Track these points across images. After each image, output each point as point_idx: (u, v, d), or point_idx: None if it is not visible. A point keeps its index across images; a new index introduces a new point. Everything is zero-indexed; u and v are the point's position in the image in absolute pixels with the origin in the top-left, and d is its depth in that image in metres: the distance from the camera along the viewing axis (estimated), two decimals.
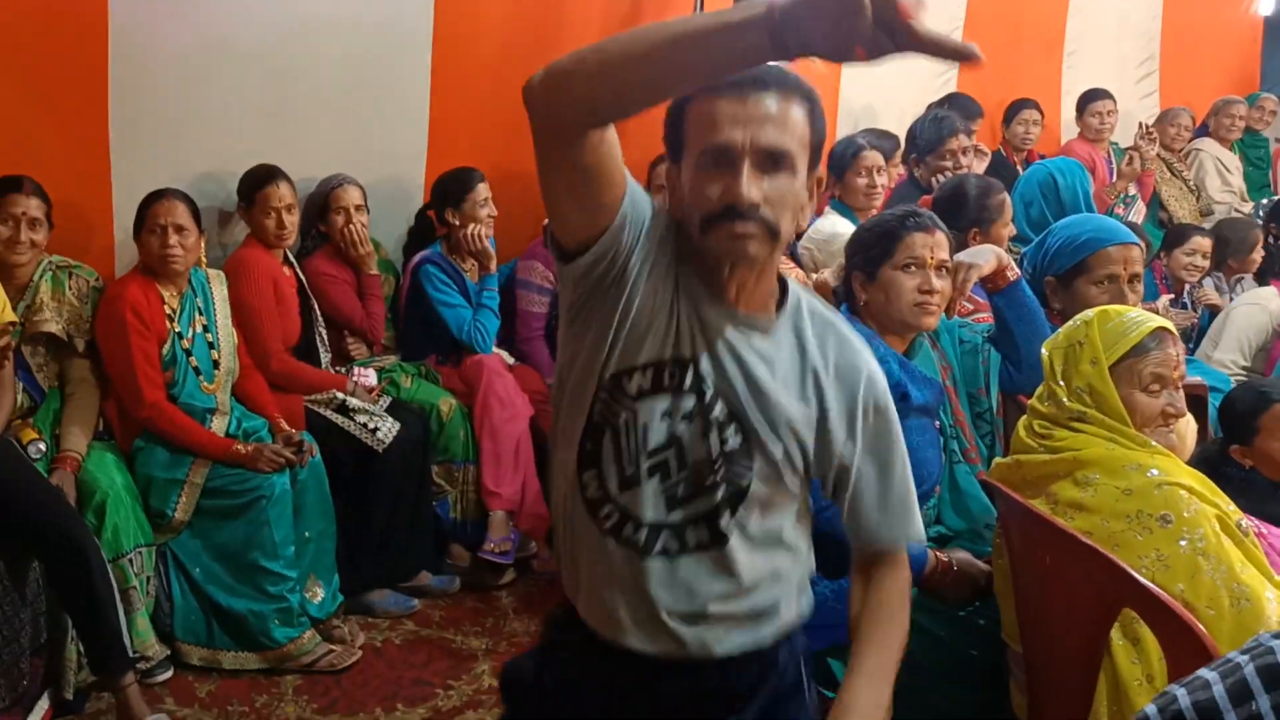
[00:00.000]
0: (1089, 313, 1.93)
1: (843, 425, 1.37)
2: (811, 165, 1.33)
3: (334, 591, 3.13)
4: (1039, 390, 1.99)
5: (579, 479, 1.36)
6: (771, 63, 1.21)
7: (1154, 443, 1.82)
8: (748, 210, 1.25)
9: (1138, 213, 5.26)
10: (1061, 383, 1.90)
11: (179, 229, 2.91)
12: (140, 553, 2.82)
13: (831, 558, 2.08)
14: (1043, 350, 2.00)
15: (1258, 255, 4.29)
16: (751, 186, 1.25)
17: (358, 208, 3.51)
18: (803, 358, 1.36)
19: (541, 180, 1.27)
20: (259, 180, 3.26)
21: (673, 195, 1.38)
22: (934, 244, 2.21)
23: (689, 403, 1.32)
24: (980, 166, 4.10)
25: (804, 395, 1.35)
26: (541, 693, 1.47)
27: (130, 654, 2.66)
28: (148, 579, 2.84)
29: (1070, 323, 1.96)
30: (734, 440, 1.32)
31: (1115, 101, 5.45)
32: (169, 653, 2.89)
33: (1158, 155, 5.55)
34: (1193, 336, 4.04)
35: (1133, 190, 5.31)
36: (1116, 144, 5.59)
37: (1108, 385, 1.83)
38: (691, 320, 1.32)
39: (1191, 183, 5.80)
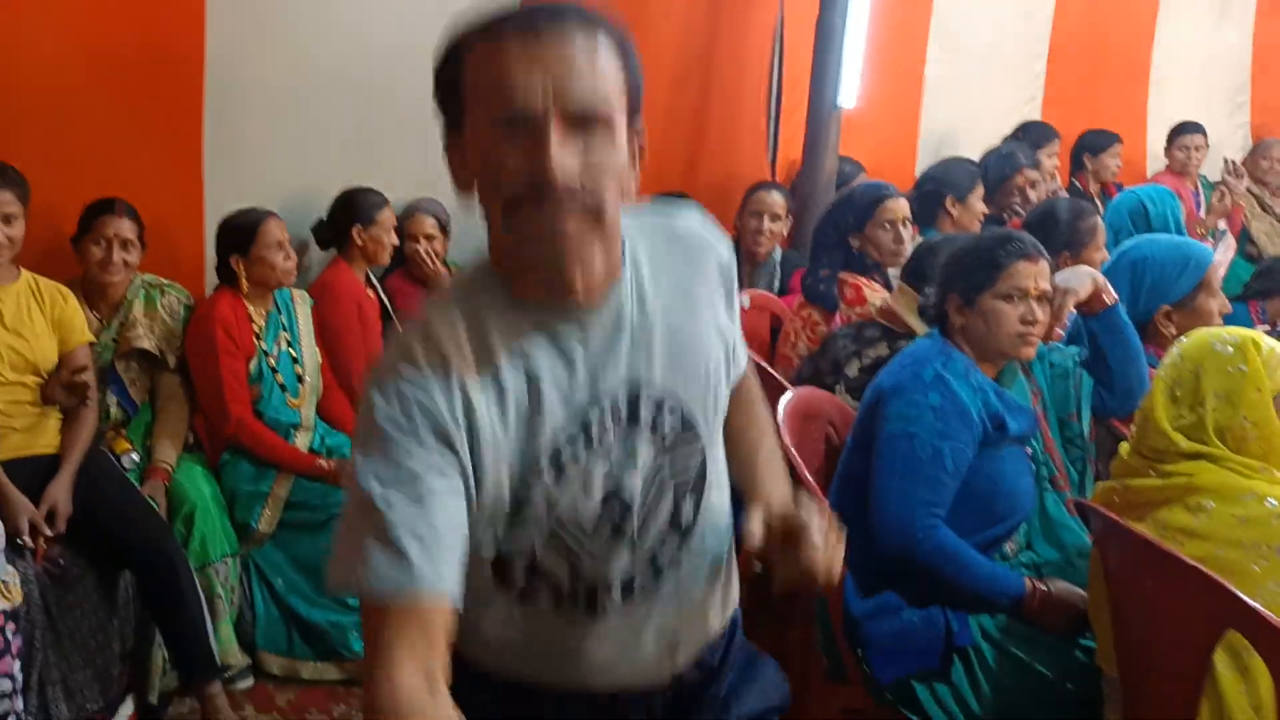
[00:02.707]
0: (1227, 339, 1.85)
1: (713, 329, 1.20)
2: (632, 117, 1.07)
3: None
4: (1138, 421, 1.92)
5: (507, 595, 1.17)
6: None
7: (1276, 471, 1.77)
8: (561, 189, 0.99)
9: (1227, 247, 5.13)
10: (1189, 412, 1.82)
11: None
12: (226, 562, 2.87)
13: (916, 588, 2.06)
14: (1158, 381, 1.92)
15: None
16: (563, 156, 0.98)
17: (428, 236, 3.59)
18: (644, 313, 1.12)
19: None
20: (376, 206, 3.39)
21: (458, 178, 1.10)
22: (1038, 273, 2.17)
23: (610, 442, 1.12)
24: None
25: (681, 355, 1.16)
26: None
27: (216, 661, 2.70)
28: (232, 588, 2.89)
29: (1188, 352, 1.88)
30: (669, 423, 1.15)
31: (1205, 136, 5.35)
32: (250, 661, 2.93)
33: (1248, 189, 5.42)
34: None
35: (1222, 225, 5.19)
36: (1205, 177, 5.49)
37: (1270, 414, 1.78)
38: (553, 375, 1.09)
39: None
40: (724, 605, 1.33)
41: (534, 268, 1.06)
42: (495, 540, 1.12)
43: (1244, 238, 5.49)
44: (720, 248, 1.25)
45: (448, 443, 1.02)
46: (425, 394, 1.02)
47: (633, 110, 1.07)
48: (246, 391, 3.00)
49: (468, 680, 1.07)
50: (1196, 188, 5.39)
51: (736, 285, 1.28)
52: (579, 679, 1.22)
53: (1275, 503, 1.69)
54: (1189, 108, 5.71)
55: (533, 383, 1.07)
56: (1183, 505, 1.75)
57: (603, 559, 1.15)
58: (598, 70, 1.01)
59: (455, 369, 1.04)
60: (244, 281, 3.01)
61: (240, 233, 3.02)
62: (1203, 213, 5.16)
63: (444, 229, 3.63)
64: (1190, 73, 6.10)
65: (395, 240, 3.51)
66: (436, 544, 0.99)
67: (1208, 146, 5.38)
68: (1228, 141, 6.15)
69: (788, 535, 1.13)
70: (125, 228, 2.87)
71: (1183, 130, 5.34)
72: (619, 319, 1.11)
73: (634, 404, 1.13)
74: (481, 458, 1.05)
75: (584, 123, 1.00)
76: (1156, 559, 1.67)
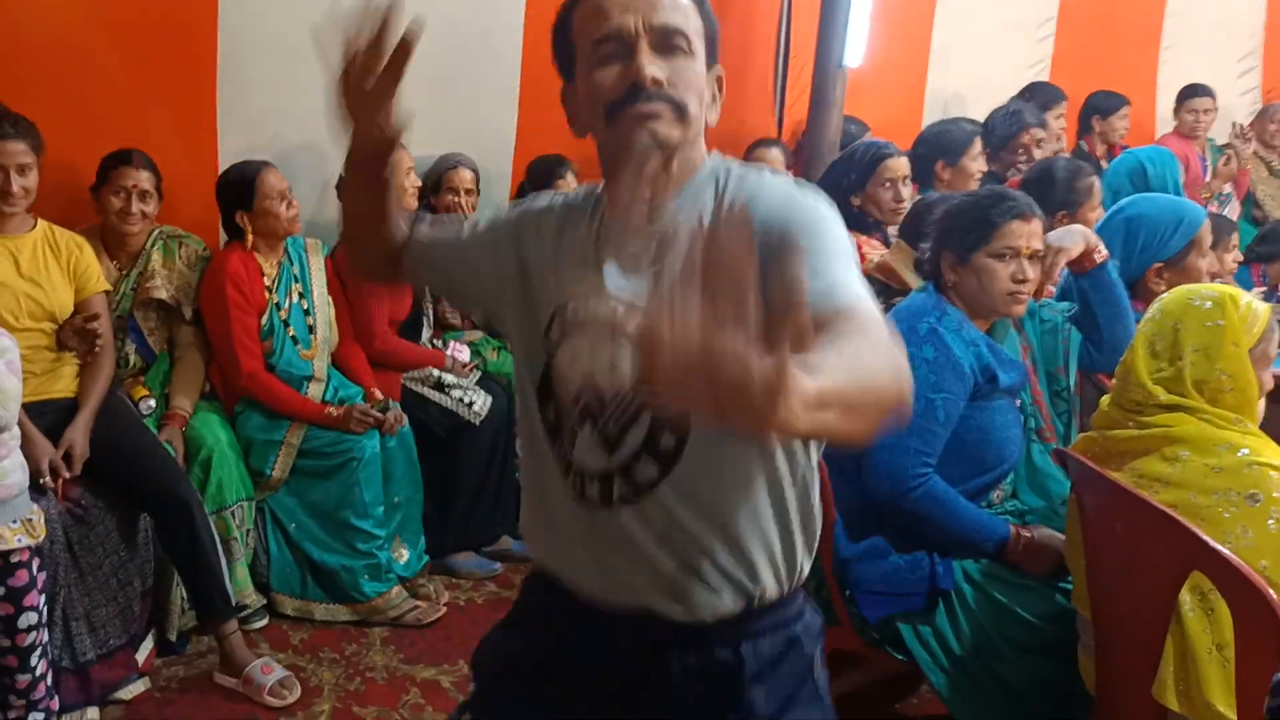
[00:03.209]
0: (1205, 295, 1.90)
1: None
2: (710, 59, 1.26)
3: (419, 553, 3.25)
4: (1119, 374, 1.98)
5: (538, 451, 1.30)
6: None
7: (1248, 424, 1.83)
8: (651, 88, 1.19)
9: (1232, 210, 5.15)
10: (1168, 365, 1.87)
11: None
12: (241, 506, 2.96)
13: (905, 532, 2.14)
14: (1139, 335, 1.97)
15: None
16: (653, 65, 1.19)
17: (468, 191, 3.61)
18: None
19: None
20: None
21: (575, 116, 1.30)
22: (1030, 232, 2.21)
23: (592, 335, 1.22)
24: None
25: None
26: (515, 661, 1.37)
27: (231, 601, 2.80)
28: (248, 531, 2.99)
29: (1168, 308, 1.92)
30: None
31: (1214, 99, 5.30)
32: (265, 602, 3.03)
33: (1255, 153, 5.42)
34: None
35: (1227, 189, 5.20)
36: (1213, 140, 5.46)
37: (1246, 367, 1.83)
38: (601, 249, 1.25)
39: None
40: (730, 579, 1.23)
41: (626, 160, 1.22)
42: (533, 370, 1.30)
43: (1249, 201, 5.50)
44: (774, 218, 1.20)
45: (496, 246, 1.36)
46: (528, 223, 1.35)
47: (710, 54, 1.26)
48: (258, 346, 3.06)
49: (539, 588, 1.33)
50: (1204, 151, 5.35)
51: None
52: (589, 584, 1.28)
53: (1247, 452, 1.75)
54: (1199, 71, 5.64)
55: (562, 245, 1.31)
56: (1159, 455, 1.82)
57: (581, 443, 1.24)
58: (676, 5, 1.22)
59: (554, 225, 1.32)
60: (250, 236, 3.06)
61: (240, 187, 3.05)
62: (1209, 176, 5.15)
63: (478, 185, 3.66)
64: (1201, 36, 6.05)
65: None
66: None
67: (1216, 110, 5.32)
68: (1238, 105, 6.12)
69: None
70: (143, 178, 2.93)
71: (1191, 93, 5.29)
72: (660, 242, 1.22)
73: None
74: (534, 283, 1.31)
75: (667, 44, 1.20)
76: (1128, 504, 1.74)
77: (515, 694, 1.36)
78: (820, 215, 1.19)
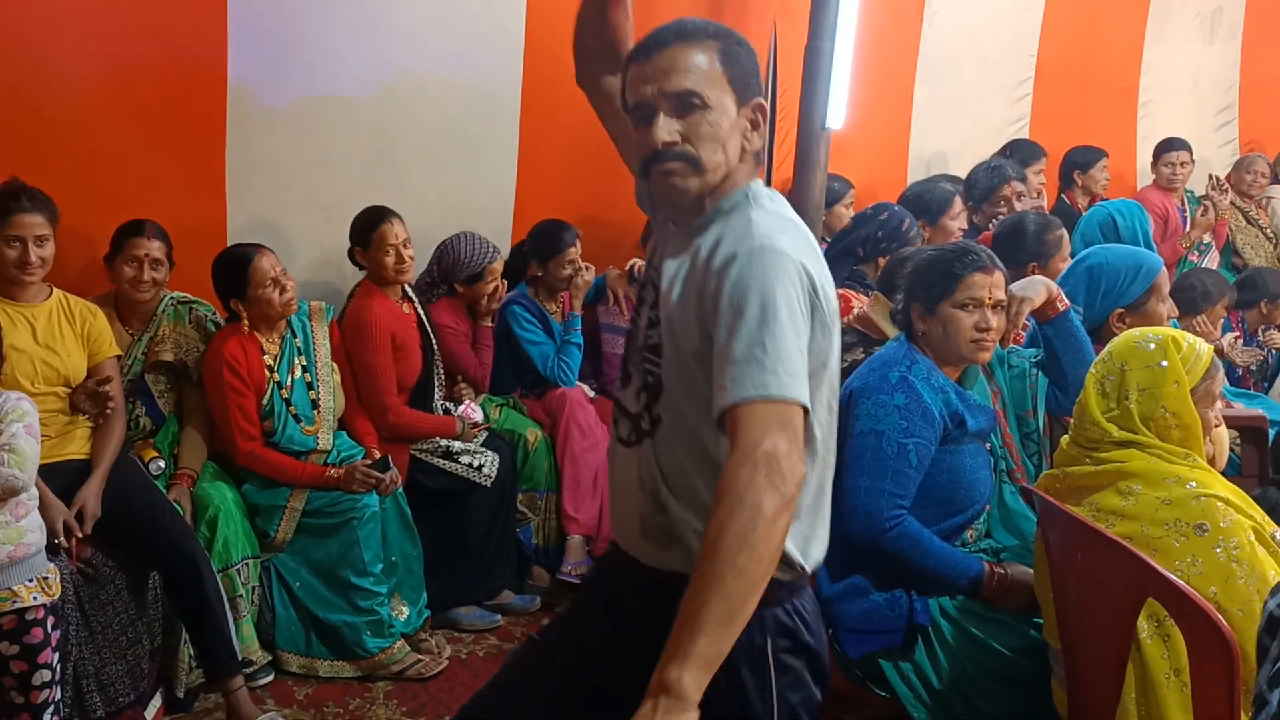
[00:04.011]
0: (1150, 338, 2.00)
1: (692, 307, 1.43)
2: (742, 96, 1.48)
3: (419, 609, 3.31)
4: (1075, 414, 2.08)
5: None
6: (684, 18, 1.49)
7: (1196, 458, 1.92)
8: (665, 151, 1.44)
9: (1211, 259, 5.27)
10: (1116, 405, 1.98)
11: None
12: (247, 564, 3.03)
13: (882, 571, 2.22)
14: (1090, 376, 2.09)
15: None
16: (664, 130, 1.43)
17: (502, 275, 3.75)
18: (694, 257, 1.47)
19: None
20: (373, 221, 3.38)
21: (629, 164, 1.64)
22: (992, 284, 2.34)
23: (643, 311, 1.54)
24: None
25: (683, 295, 1.45)
26: (583, 599, 1.73)
27: (238, 656, 2.86)
28: (253, 589, 3.05)
29: (1116, 350, 2.03)
30: (654, 336, 1.49)
31: (1190, 151, 5.45)
32: (270, 658, 3.09)
33: (1232, 203, 5.55)
34: (1267, 375, 4.07)
35: (1207, 238, 5.31)
36: (1191, 191, 5.60)
37: (1189, 405, 1.94)
38: (664, 238, 1.56)
39: (1269, 229, 5.77)
40: (679, 540, 1.45)
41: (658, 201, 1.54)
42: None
43: (1229, 250, 5.61)
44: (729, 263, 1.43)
45: None
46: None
47: (740, 88, 1.48)
48: (256, 427, 3.10)
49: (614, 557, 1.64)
50: (1183, 202, 5.48)
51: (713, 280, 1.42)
52: (613, 516, 1.62)
53: (1195, 485, 1.85)
54: (1177, 126, 5.81)
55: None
56: (1114, 489, 1.92)
57: (623, 382, 1.58)
58: (686, 69, 1.44)
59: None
60: (246, 323, 3.10)
61: (233, 274, 3.09)
62: (1189, 226, 5.28)
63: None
64: (1178, 92, 6.23)
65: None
66: None
67: (1193, 162, 5.47)
68: (1217, 156, 6.28)
69: None
70: (155, 248, 3.02)
71: (1168, 147, 5.44)
72: (686, 243, 1.50)
73: (654, 294, 1.52)
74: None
75: (683, 105, 1.44)
76: (1087, 536, 1.83)
77: (581, 616, 1.70)
78: (767, 287, 1.34)
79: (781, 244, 1.38)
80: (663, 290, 1.48)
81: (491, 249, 3.71)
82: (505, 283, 3.76)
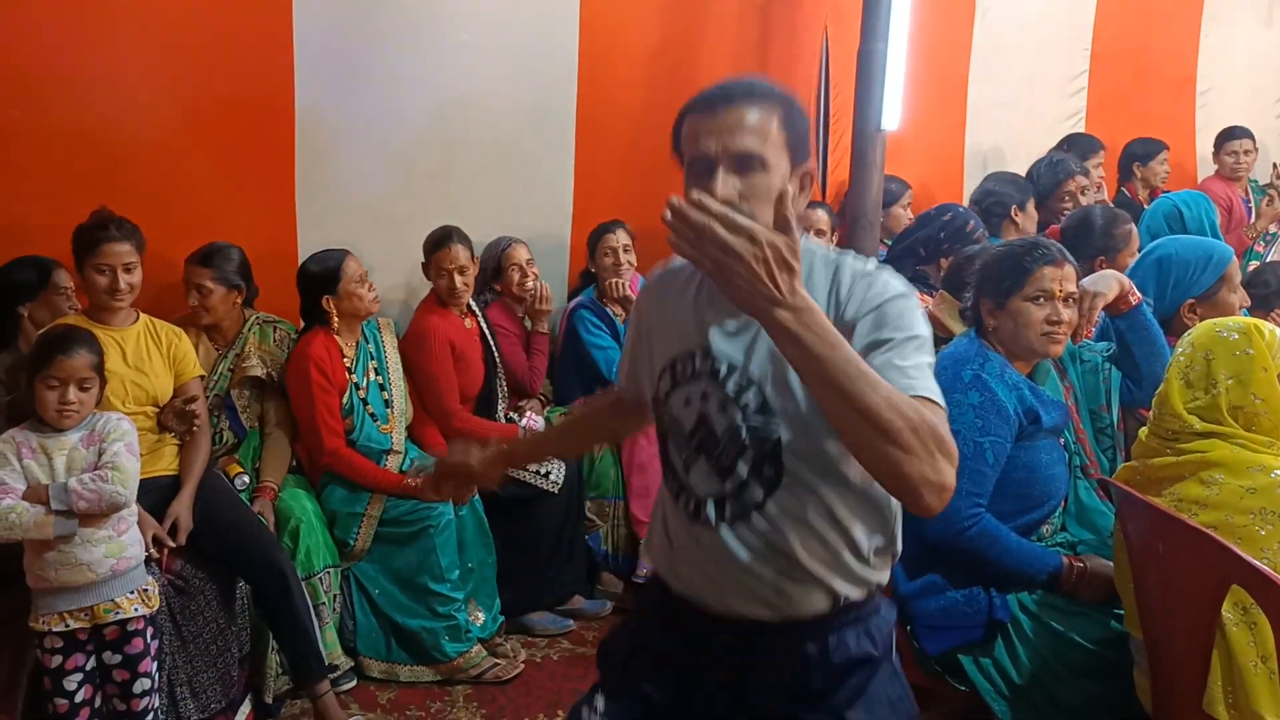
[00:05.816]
0: (1231, 327, 2.01)
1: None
2: (795, 160, 1.48)
3: (494, 615, 3.38)
4: (1155, 405, 2.08)
5: (665, 479, 1.59)
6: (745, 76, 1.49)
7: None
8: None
9: (1278, 250, 5.17)
10: (1203, 394, 1.97)
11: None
12: (329, 572, 3.12)
13: (960, 569, 2.23)
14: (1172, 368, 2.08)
15: None
16: (726, 187, 1.42)
17: (528, 261, 3.81)
18: None
19: None
20: (436, 242, 3.51)
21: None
22: (1062, 277, 2.34)
23: (703, 384, 1.49)
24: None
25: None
26: (633, 657, 1.66)
27: (325, 662, 2.95)
28: (335, 596, 3.14)
29: (1197, 341, 2.03)
30: (753, 401, 1.45)
31: (1254, 139, 5.36)
32: (353, 664, 3.18)
33: None
34: None
35: (1273, 228, 5.21)
36: (1255, 181, 5.51)
37: (1277, 391, 1.94)
38: (702, 314, 1.51)
39: None
40: (820, 584, 1.47)
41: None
42: (656, 410, 1.59)
43: None
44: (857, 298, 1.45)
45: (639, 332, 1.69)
46: (642, 300, 1.70)
47: (795, 153, 1.48)
48: (340, 424, 3.23)
49: (656, 593, 1.60)
50: (1247, 192, 5.39)
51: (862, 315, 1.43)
52: (694, 585, 1.54)
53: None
54: (1236, 114, 5.71)
55: (665, 310, 1.60)
56: (1197, 479, 1.92)
57: (696, 472, 1.51)
58: (751, 129, 1.44)
59: (656, 295, 1.64)
60: (335, 319, 3.25)
61: (325, 274, 3.24)
62: (1253, 217, 5.20)
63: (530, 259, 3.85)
64: (1237, 77, 6.12)
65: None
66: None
67: (1256, 150, 5.38)
68: (1276, 146, 6.16)
69: None
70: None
71: (1230, 135, 5.36)
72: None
73: (710, 362, 1.49)
74: (651, 345, 1.62)
75: (744, 165, 1.43)
76: (1168, 525, 1.84)
77: (637, 676, 1.62)
78: (907, 308, 1.40)
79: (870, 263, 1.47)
80: (733, 352, 1.46)
81: (505, 239, 3.82)
82: (537, 272, 3.81)
